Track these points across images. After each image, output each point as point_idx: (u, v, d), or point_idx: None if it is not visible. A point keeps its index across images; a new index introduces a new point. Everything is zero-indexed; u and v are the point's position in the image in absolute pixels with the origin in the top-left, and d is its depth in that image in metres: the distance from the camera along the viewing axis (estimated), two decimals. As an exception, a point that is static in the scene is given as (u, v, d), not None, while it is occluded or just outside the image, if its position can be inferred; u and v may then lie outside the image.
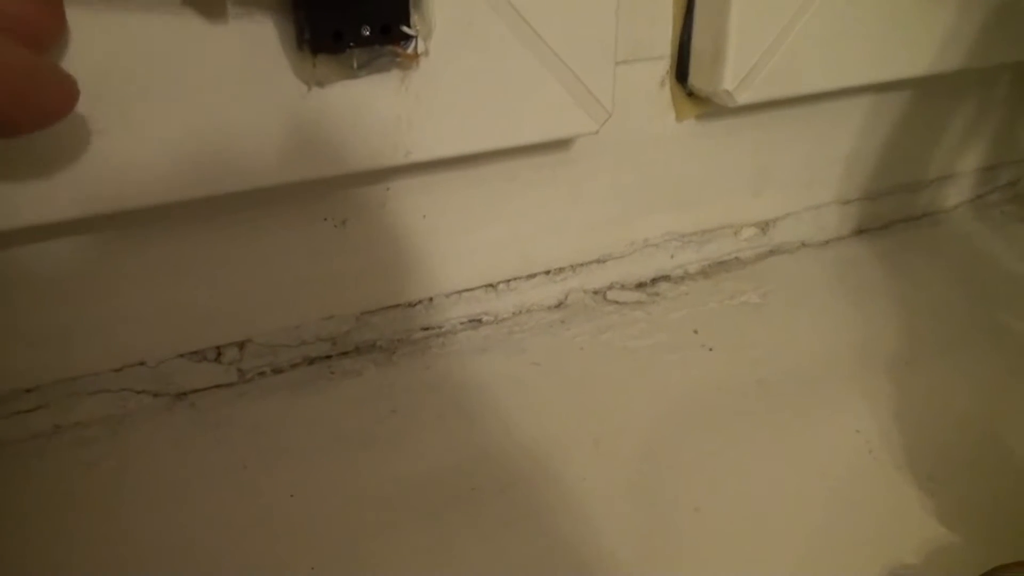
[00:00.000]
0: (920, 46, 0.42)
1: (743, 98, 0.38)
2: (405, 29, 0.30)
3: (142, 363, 0.34)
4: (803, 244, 0.46)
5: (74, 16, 0.25)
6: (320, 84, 0.30)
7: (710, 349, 0.38)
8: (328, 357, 0.37)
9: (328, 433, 0.33)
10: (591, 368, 0.37)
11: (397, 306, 0.38)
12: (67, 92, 0.24)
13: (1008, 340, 0.39)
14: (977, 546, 0.28)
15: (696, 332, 0.39)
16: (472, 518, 0.30)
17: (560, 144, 0.37)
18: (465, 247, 0.38)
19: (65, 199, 0.28)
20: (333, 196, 0.34)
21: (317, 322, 0.36)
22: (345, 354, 0.37)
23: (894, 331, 0.40)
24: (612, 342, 0.38)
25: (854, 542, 0.29)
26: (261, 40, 0.28)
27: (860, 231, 0.48)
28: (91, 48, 0.26)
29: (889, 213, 0.49)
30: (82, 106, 0.26)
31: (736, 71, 0.37)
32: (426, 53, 0.31)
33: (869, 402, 0.35)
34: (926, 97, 0.46)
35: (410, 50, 0.30)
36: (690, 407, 0.35)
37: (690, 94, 0.40)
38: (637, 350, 0.38)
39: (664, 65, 0.39)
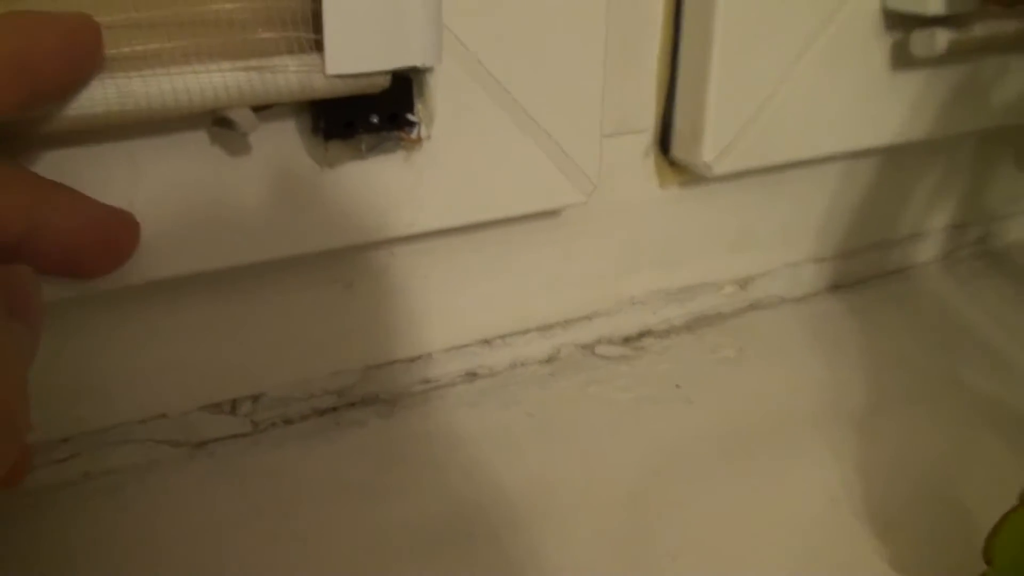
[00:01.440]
0: (888, 117, 0.45)
1: (720, 169, 0.41)
2: (409, 117, 0.33)
3: (164, 415, 0.36)
4: (781, 299, 0.49)
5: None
6: (331, 165, 0.33)
7: (690, 402, 0.41)
8: (335, 409, 0.40)
9: (335, 481, 0.36)
10: (579, 420, 0.40)
11: (398, 361, 0.41)
12: (132, 228, 0.28)
13: (964, 391, 0.42)
14: (925, 590, 0.31)
15: (678, 386, 0.42)
16: (466, 562, 0.33)
17: (552, 211, 0.41)
18: (462, 305, 0.41)
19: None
20: (341, 260, 0.37)
21: (325, 376, 0.39)
22: (351, 406, 0.40)
23: (862, 384, 0.42)
24: (599, 395, 0.41)
25: (812, 586, 0.32)
26: (280, 128, 0.32)
27: (835, 287, 0.51)
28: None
29: (862, 269, 0.52)
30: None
31: (714, 145, 0.41)
32: (428, 137, 0.34)
33: (834, 453, 0.38)
34: (896, 161, 0.50)
35: (414, 135, 0.34)
36: (670, 457, 0.38)
37: (672, 164, 0.43)
38: (621, 402, 0.41)
39: (648, 137, 0.42)
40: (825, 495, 0.36)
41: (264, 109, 0.30)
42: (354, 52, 0.30)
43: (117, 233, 0.28)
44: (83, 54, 0.25)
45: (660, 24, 0.41)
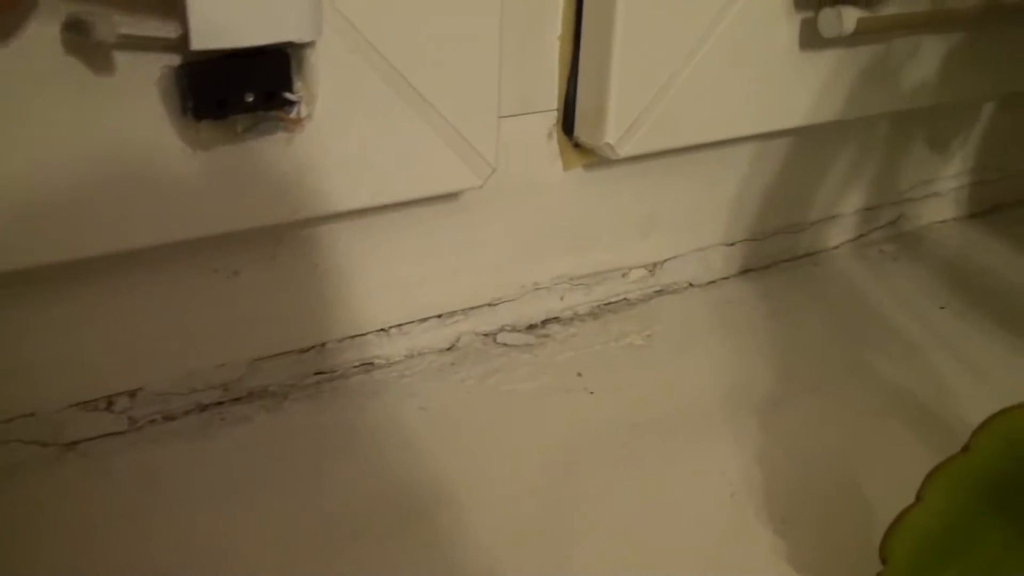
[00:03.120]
0: (797, 99, 0.44)
1: (624, 151, 0.40)
2: (288, 95, 0.31)
3: (32, 414, 0.34)
4: (690, 284, 0.49)
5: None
6: (205, 148, 0.31)
7: (591, 392, 0.40)
8: (220, 404, 0.38)
9: (217, 479, 0.34)
10: (477, 412, 0.38)
11: (289, 352, 0.39)
12: None
13: (869, 379, 0.41)
14: (822, 587, 0.30)
15: (580, 375, 0.41)
16: (357, 561, 0.31)
17: (450, 195, 0.39)
18: (357, 293, 0.39)
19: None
20: (225, 248, 0.35)
21: (209, 369, 0.37)
22: (237, 400, 0.38)
23: (767, 372, 0.42)
24: (499, 386, 0.40)
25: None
26: (147, 105, 0.29)
27: (745, 270, 0.50)
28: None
29: (773, 253, 0.51)
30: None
31: (618, 126, 0.39)
32: (310, 118, 0.32)
33: (736, 444, 0.37)
34: (808, 143, 0.49)
35: (293, 115, 0.32)
36: (569, 450, 0.36)
37: (577, 145, 0.42)
38: (522, 393, 0.39)
39: (551, 118, 0.41)
40: (725, 489, 0.35)
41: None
42: (222, 25, 0.28)
43: None
44: None
45: (561, 4, 0.39)
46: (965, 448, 0.27)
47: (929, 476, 0.28)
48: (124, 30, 0.27)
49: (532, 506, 0.34)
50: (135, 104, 0.29)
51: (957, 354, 0.43)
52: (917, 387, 0.41)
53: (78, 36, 0.27)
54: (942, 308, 0.47)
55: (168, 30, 0.29)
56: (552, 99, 0.41)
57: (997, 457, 0.27)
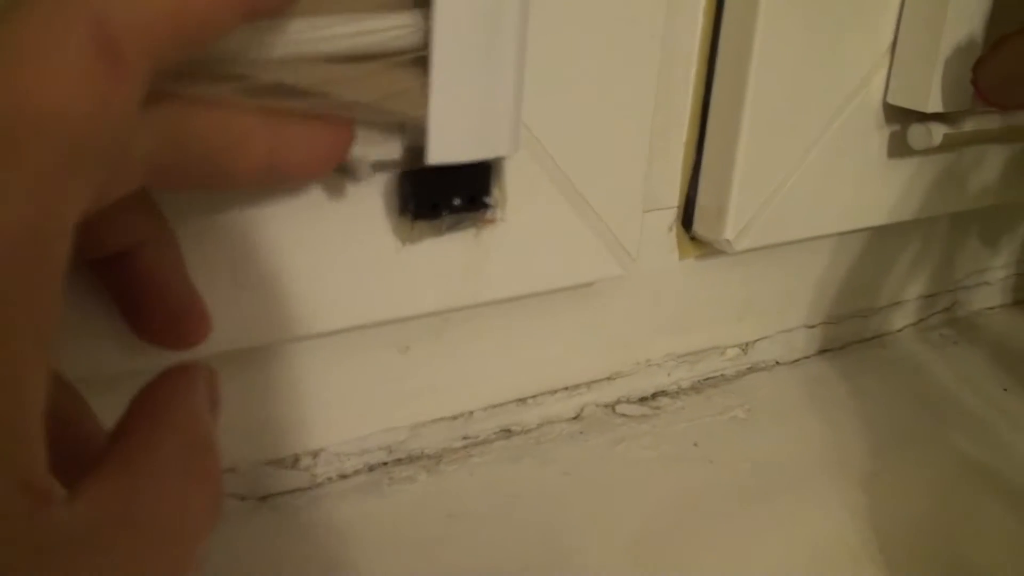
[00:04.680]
0: (881, 200, 0.49)
1: (740, 246, 0.45)
2: (486, 199, 0.36)
3: (233, 469, 0.38)
4: (776, 362, 0.53)
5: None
6: (413, 243, 0.36)
7: (711, 461, 0.44)
8: (385, 464, 0.42)
9: (392, 536, 0.38)
10: (612, 476, 0.43)
11: (443, 419, 0.43)
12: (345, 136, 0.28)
13: (951, 453, 0.46)
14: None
15: (696, 445, 0.45)
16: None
17: (589, 283, 0.44)
18: (502, 367, 0.44)
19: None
20: (400, 326, 0.40)
21: (377, 433, 0.41)
22: (399, 461, 0.42)
23: (859, 444, 0.46)
24: (626, 453, 0.44)
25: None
26: (369, 207, 0.34)
27: (823, 351, 0.55)
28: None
29: (847, 335, 0.56)
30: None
31: (735, 224, 0.44)
32: (503, 219, 0.37)
33: (848, 510, 0.41)
34: (881, 237, 0.54)
35: (489, 216, 0.36)
36: (702, 512, 0.41)
37: (692, 238, 0.47)
38: (648, 460, 0.44)
39: (672, 214, 0.46)
40: (846, 553, 0.39)
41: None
42: (452, 145, 0.33)
43: (334, 147, 0.28)
44: None
45: (688, 115, 0.44)
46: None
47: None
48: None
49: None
50: (361, 208, 0.34)
51: (1028, 432, 0.49)
52: (993, 461, 0.46)
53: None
54: (1005, 390, 0.52)
55: (393, 151, 0.33)
56: (674, 197, 0.46)
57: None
